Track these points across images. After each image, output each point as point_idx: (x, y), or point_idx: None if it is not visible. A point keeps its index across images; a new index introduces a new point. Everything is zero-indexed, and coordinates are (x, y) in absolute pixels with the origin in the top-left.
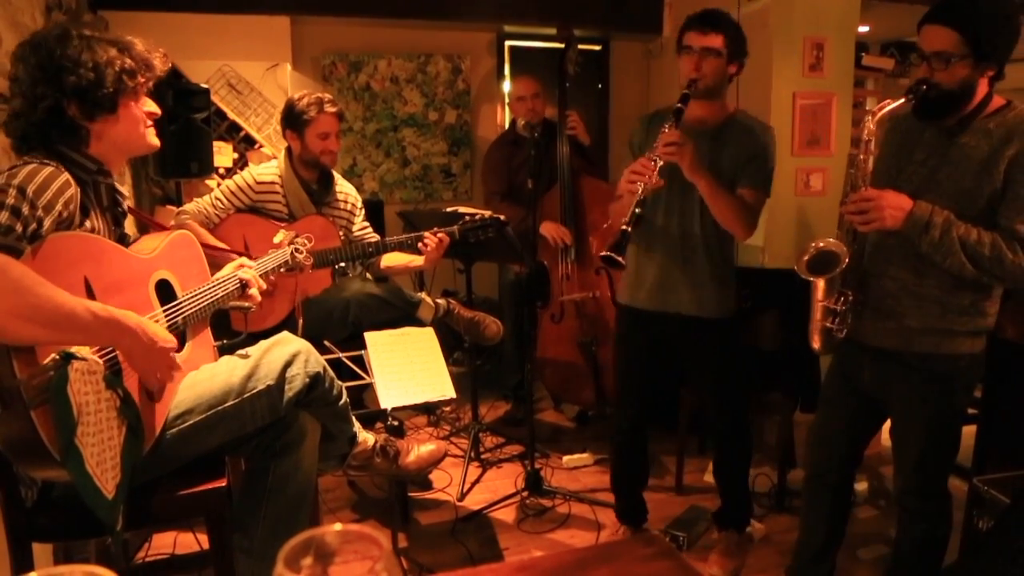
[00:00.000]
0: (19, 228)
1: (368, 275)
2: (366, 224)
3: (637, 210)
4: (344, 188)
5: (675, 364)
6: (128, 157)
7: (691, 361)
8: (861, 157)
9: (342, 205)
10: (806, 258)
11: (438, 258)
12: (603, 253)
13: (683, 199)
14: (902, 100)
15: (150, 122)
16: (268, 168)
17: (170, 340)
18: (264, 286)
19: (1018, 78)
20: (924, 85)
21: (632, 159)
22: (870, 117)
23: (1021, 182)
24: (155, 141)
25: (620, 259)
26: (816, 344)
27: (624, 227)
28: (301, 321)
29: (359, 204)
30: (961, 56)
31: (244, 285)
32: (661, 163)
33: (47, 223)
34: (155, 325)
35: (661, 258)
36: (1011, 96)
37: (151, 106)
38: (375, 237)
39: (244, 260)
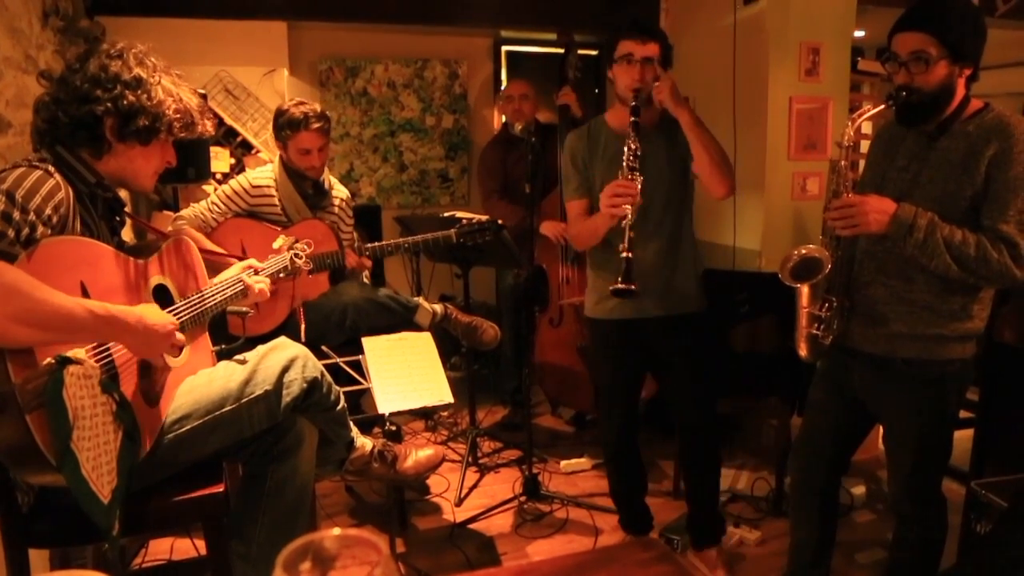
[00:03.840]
0: (11, 233)
1: (365, 280)
2: (350, 229)
3: (631, 234)
4: (339, 191)
5: (653, 368)
6: (122, 188)
7: (667, 362)
8: (843, 163)
9: (336, 204)
10: (790, 265)
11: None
12: (613, 287)
13: (645, 203)
14: (881, 107)
15: (161, 169)
16: (263, 172)
17: (169, 323)
18: (269, 291)
19: (1011, 82)
20: (904, 91)
21: (579, 177)
22: (849, 124)
23: (1001, 182)
24: (151, 187)
25: (633, 287)
26: (803, 351)
27: (626, 254)
28: (304, 325)
29: (349, 211)
30: (938, 56)
31: (248, 288)
32: (641, 179)
33: (40, 227)
34: (152, 312)
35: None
36: (1005, 100)
37: (171, 155)
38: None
39: (253, 262)
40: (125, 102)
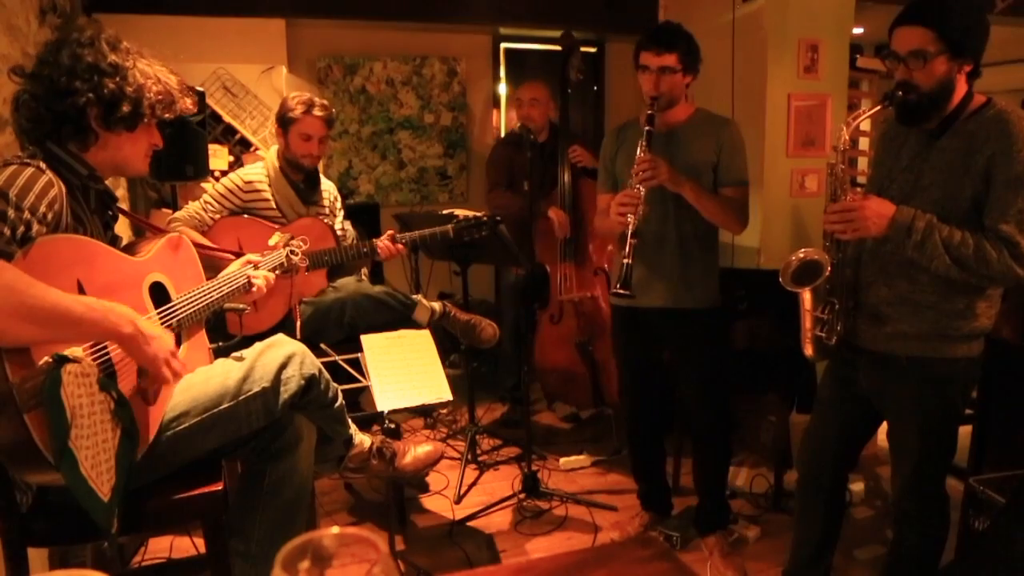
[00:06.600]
0: (7, 232)
1: (363, 277)
2: (339, 224)
3: (632, 241)
4: (327, 186)
5: (668, 358)
6: (117, 175)
7: (677, 353)
8: (839, 167)
9: (327, 201)
10: (791, 270)
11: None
12: (613, 291)
13: (659, 199)
14: (878, 108)
15: (151, 151)
16: (254, 168)
17: (164, 335)
18: (271, 284)
19: (1010, 79)
20: (901, 90)
21: (605, 172)
22: (845, 128)
23: (1002, 182)
24: (146, 168)
25: (630, 292)
26: (809, 352)
27: (626, 260)
28: (299, 323)
29: (339, 204)
30: (937, 52)
31: (250, 282)
32: (644, 191)
33: (35, 225)
34: (149, 323)
35: (642, 256)
36: (1004, 98)
37: (157, 138)
38: (352, 237)
39: (251, 257)
40: (106, 91)
